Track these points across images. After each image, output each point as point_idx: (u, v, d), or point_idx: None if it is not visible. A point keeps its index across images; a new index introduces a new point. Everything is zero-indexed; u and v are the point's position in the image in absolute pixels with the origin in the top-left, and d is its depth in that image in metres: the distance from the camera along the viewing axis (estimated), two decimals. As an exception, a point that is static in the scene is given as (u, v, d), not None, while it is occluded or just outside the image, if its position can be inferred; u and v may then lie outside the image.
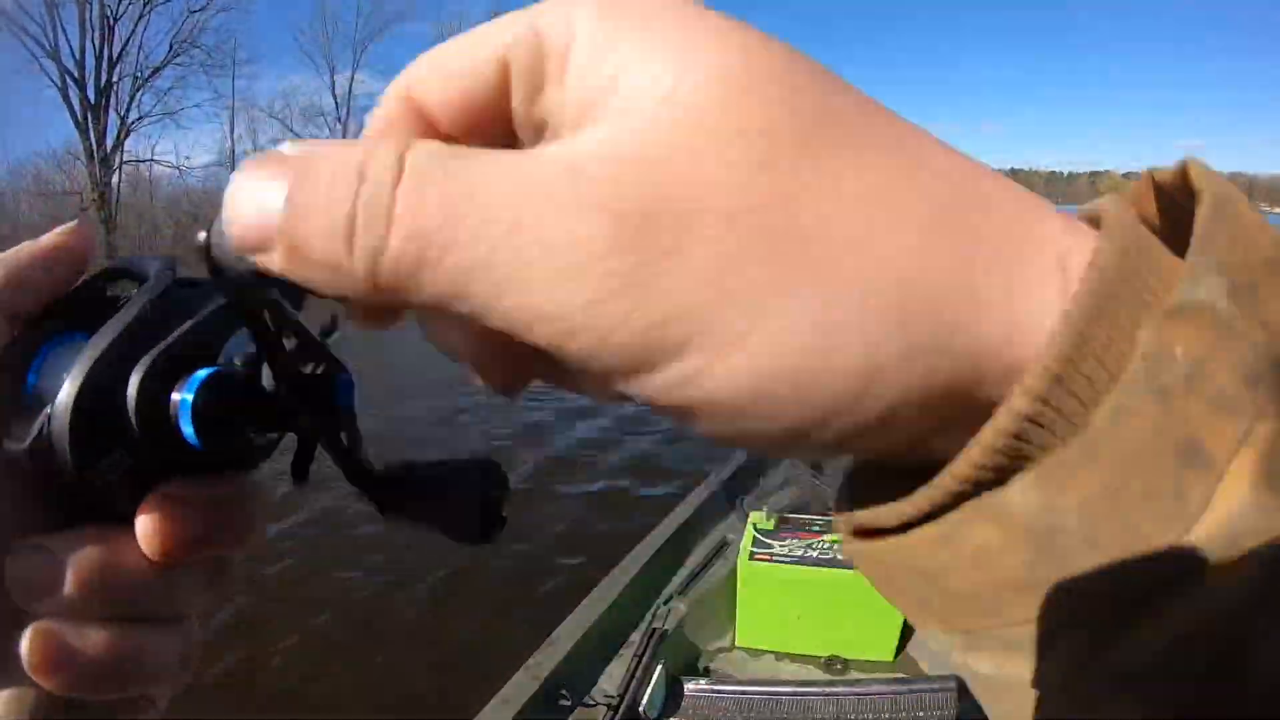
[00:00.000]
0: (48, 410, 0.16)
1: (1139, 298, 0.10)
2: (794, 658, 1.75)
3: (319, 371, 0.17)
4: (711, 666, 1.74)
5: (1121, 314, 0.09)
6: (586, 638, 1.55)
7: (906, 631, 1.70)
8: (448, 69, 0.13)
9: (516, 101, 0.12)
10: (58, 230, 0.19)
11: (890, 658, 1.70)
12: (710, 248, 0.10)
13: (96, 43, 12.64)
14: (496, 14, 0.13)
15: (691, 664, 1.72)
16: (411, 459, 0.18)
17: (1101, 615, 0.10)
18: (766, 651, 1.77)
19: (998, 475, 0.10)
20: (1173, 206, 0.12)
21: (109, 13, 12.59)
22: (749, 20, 0.11)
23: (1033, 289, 0.10)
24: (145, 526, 0.16)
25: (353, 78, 21.10)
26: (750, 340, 0.10)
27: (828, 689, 1.47)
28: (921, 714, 1.39)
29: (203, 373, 0.17)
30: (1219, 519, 0.09)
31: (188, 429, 0.17)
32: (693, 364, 0.10)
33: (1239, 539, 0.09)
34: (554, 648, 1.50)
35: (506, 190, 0.10)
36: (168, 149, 16.15)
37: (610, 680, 1.52)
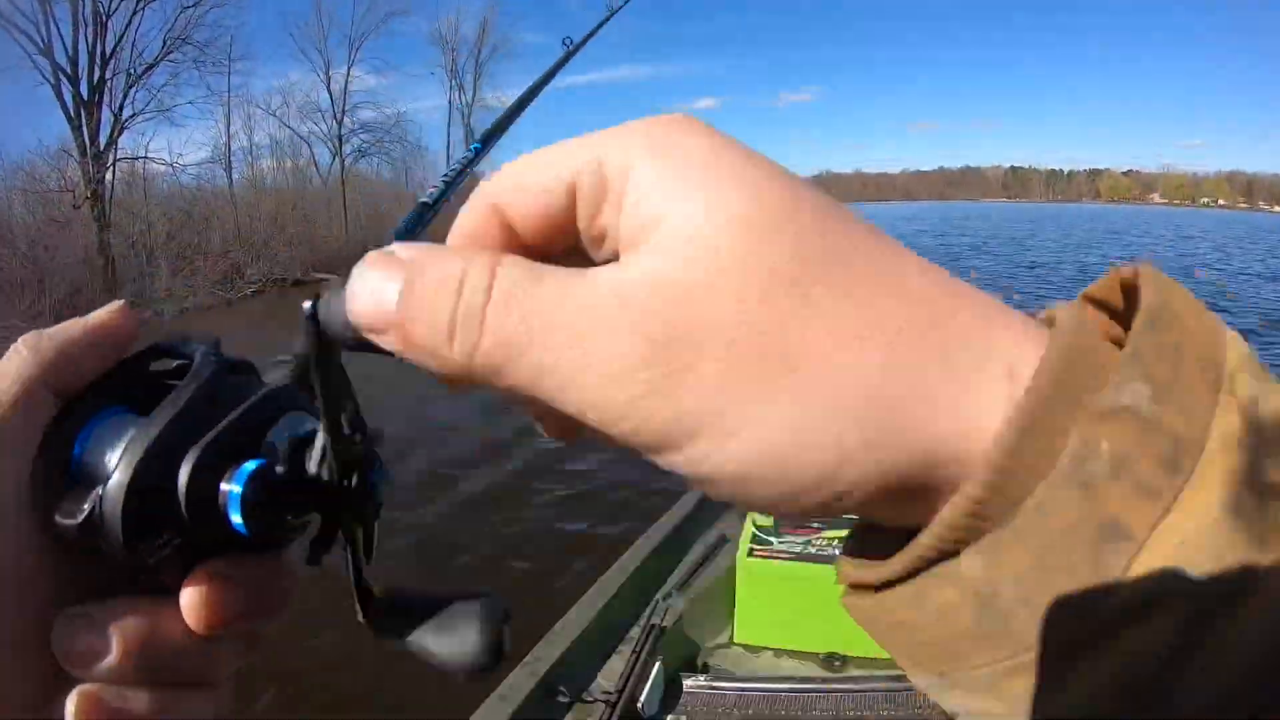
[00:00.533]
0: (100, 491, 0.17)
1: (1075, 402, 0.12)
2: (792, 654, 1.74)
3: (361, 458, 0.19)
4: (710, 663, 1.74)
5: (1057, 418, 0.12)
6: (585, 634, 1.55)
7: None
8: (526, 186, 0.16)
9: (582, 218, 0.15)
10: (104, 310, 0.20)
11: (888, 654, 1.72)
12: (715, 365, 0.13)
13: (89, 39, 12.61)
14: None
15: (690, 660, 1.72)
16: (408, 589, 0.20)
17: (1042, 662, 0.12)
18: (765, 648, 1.76)
19: (958, 545, 0.13)
20: (1133, 296, 0.14)
21: (101, 9, 12.55)
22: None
23: (983, 396, 0.13)
24: (190, 600, 0.18)
25: (348, 74, 21.05)
26: (741, 435, 0.13)
27: (826, 686, 1.47)
28: (919, 711, 1.39)
29: (250, 465, 0.18)
30: (1139, 580, 0.11)
31: (236, 518, 0.18)
32: (701, 449, 0.13)
33: (1159, 597, 0.11)
34: (552, 644, 1.50)
35: (570, 312, 0.13)
36: (162, 146, 16.17)
37: (608, 676, 1.52)
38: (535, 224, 0.16)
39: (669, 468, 0.14)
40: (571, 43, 0.60)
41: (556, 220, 0.16)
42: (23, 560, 0.18)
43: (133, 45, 13.35)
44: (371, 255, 0.15)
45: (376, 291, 0.15)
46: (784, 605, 1.70)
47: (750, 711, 1.44)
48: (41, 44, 12.00)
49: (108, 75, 12.98)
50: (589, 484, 3.81)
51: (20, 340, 0.19)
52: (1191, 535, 0.11)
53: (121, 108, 13.35)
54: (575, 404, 0.14)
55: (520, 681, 1.39)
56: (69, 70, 12.41)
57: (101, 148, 12.80)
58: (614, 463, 4.01)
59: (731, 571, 1.76)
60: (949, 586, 0.13)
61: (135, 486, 0.17)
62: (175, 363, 0.20)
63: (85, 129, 12.65)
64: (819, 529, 1.77)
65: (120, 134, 13.35)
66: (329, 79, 20.68)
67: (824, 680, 1.53)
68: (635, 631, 1.65)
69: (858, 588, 0.15)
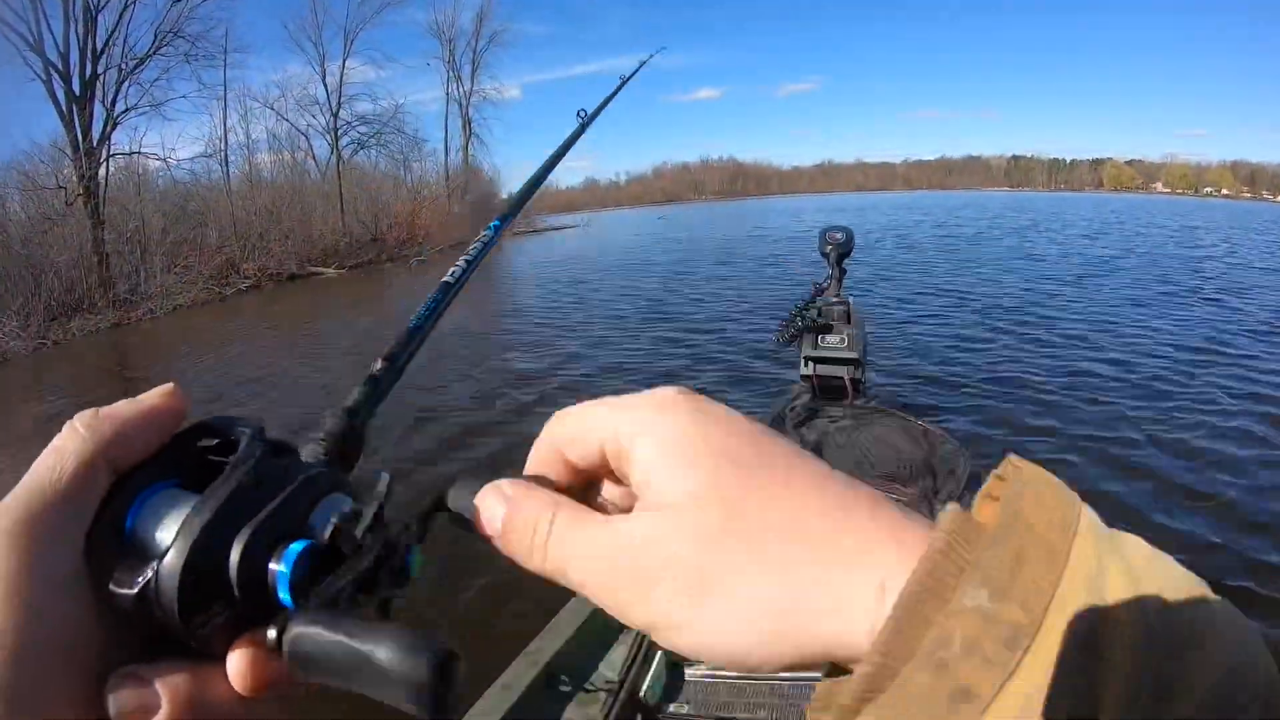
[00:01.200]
0: (155, 566, 0.19)
1: (938, 601, 0.17)
2: None
3: (398, 540, 0.22)
4: None
5: (922, 615, 0.17)
6: (587, 624, 1.55)
7: None
8: (574, 439, 0.24)
9: (612, 466, 0.23)
10: (155, 393, 0.23)
11: None
12: (669, 590, 0.20)
13: (80, 34, 12.52)
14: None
15: None
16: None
17: None
18: None
19: (863, 701, 0.17)
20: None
21: (91, 4, 12.45)
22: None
23: (856, 608, 0.18)
24: (237, 666, 0.20)
25: (343, 65, 20.93)
26: (685, 631, 0.20)
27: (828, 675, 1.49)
28: None
29: (297, 546, 0.20)
30: None
31: (284, 595, 0.20)
32: (667, 635, 0.20)
33: None
34: (554, 634, 1.51)
35: (591, 551, 0.22)
36: (156, 142, 16.05)
37: (610, 666, 1.53)
38: (583, 463, 0.24)
39: (658, 642, 0.21)
40: (585, 114, 0.66)
41: (596, 462, 0.24)
42: (78, 622, 0.20)
43: (124, 40, 13.28)
44: (490, 487, 0.23)
45: (491, 514, 0.23)
46: None
47: (751, 701, 1.45)
48: (32, 40, 11.92)
49: (99, 70, 12.90)
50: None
51: (78, 419, 0.21)
52: (1033, 691, 0.16)
53: (114, 103, 13.28)
54: (596, 599, 0.22)
55: (523, 671, 1.40)
56: (60, 66, 12.34)
57: (94, 143, 12.73)
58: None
59: None
60: None
61: (190, 564, 0.19)
62: (219, 440, 0.22)
63: (78, 125, 12.58)
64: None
65: (113, 129, 13.28)
66: (324, 71, 20.59)
67: (826, 670, 1.55)
68: None
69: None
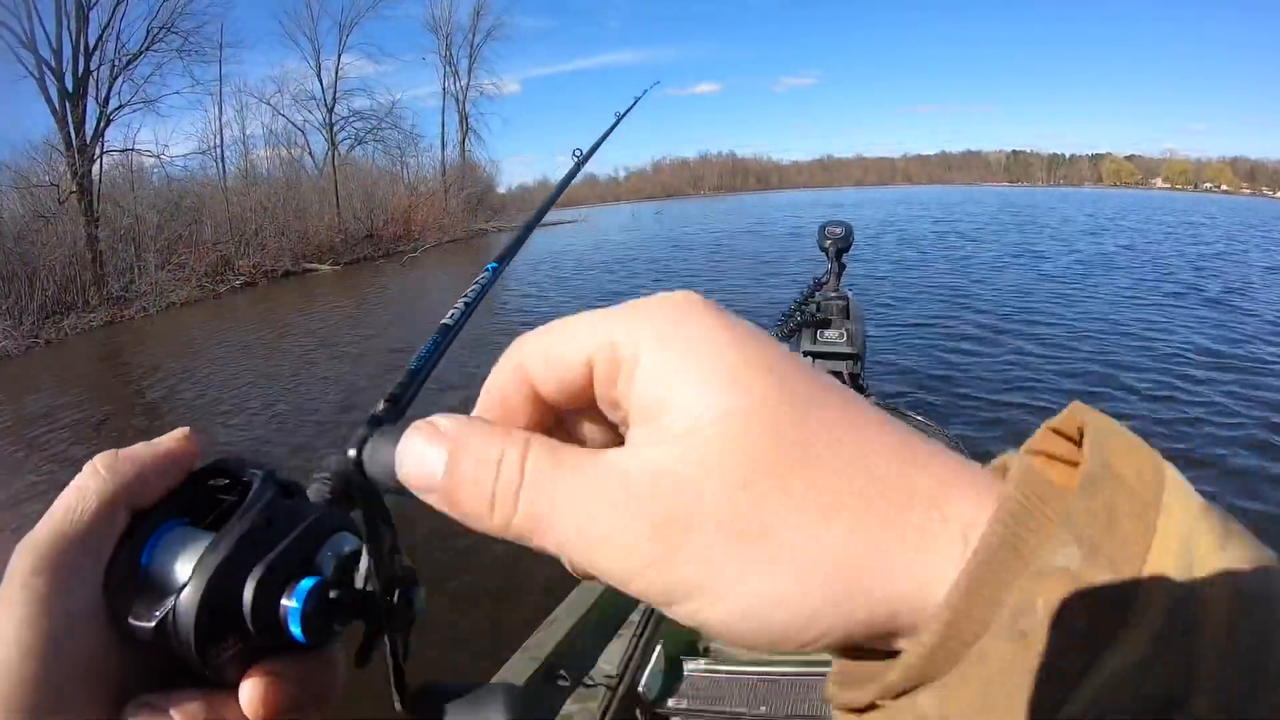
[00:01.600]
0: (173, 601, 0.20)
1: (1017, 561, 0.14)
2: None
3: (400, 577, 0.22)
4: (711, 647, 1.73)
5: (1001, 576, 0.14)
6: (586, 618, 1.55)
7: None
8: (549, 357, 0.18)
9: (598, 389, 0.18)
10: (173, 436, 0.24)
11: None
12: (705, 543, 0.16)
13: (73, 31, 12.45)
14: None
15: (691, 644, 1.72)
16: (440, 683, 0.23)
17: None
18: None
19: (919, 682, 0.15)
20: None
21: (84, 0, 12.38)
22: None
23: (939, 556, 0.15)
24: (249, 695, 0.21)
25: (339, 60, 20.87)
26: (726, 599, 0.16)
27: (827, 669, 1.48)
28: None
29: (307, 583, 0.21)
30: (1080, 709, 0.13)
31: (295, 630, 0.21)
32: (695, 606, 0.16)
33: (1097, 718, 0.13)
34: (553, 628, 1.51)
35: (585, 496, 0.17)
36: (151, 139, 15.99)
37: (610, 660, 1.53)
38: (557, 389, 0.19)
39: (671, 615, 0.17)
40: (581, 154, 0.67)
41: (575, 388, 0.18)
42: (98, 652, 0.21)
43: (117, 36, 13.21)
44: (417, 424, 0.19)
45: (423, 460, 0.18)
46: None
47: (751, 695, 1.45)
48: (24, 37, 11.86)
49: (92, 67, 12.85)
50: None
51: (99, 460, 0.22)
52: (1127, 668, 0.13)
53: (107, 100, 13.22)
54: (591, 568, 0.17)
55: (522, 665, 1.40)
56: (53, 63, 12.28)
57: (87, 140, 12.67)
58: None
59: None
60: (910, 715, 0.15)
61: (207, 600, 0.20)
62: (229, 480, 0.24)
63: (70, 122, 12.52)
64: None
65: (106, 126, 13.22)
66: (319, 66, 20.51)
67: (826, 664, 1.54)
68: (636, 615, 1.65)
69: (843, 709, 0.17)
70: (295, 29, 21.07)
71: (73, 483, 0.22)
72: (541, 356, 0.19)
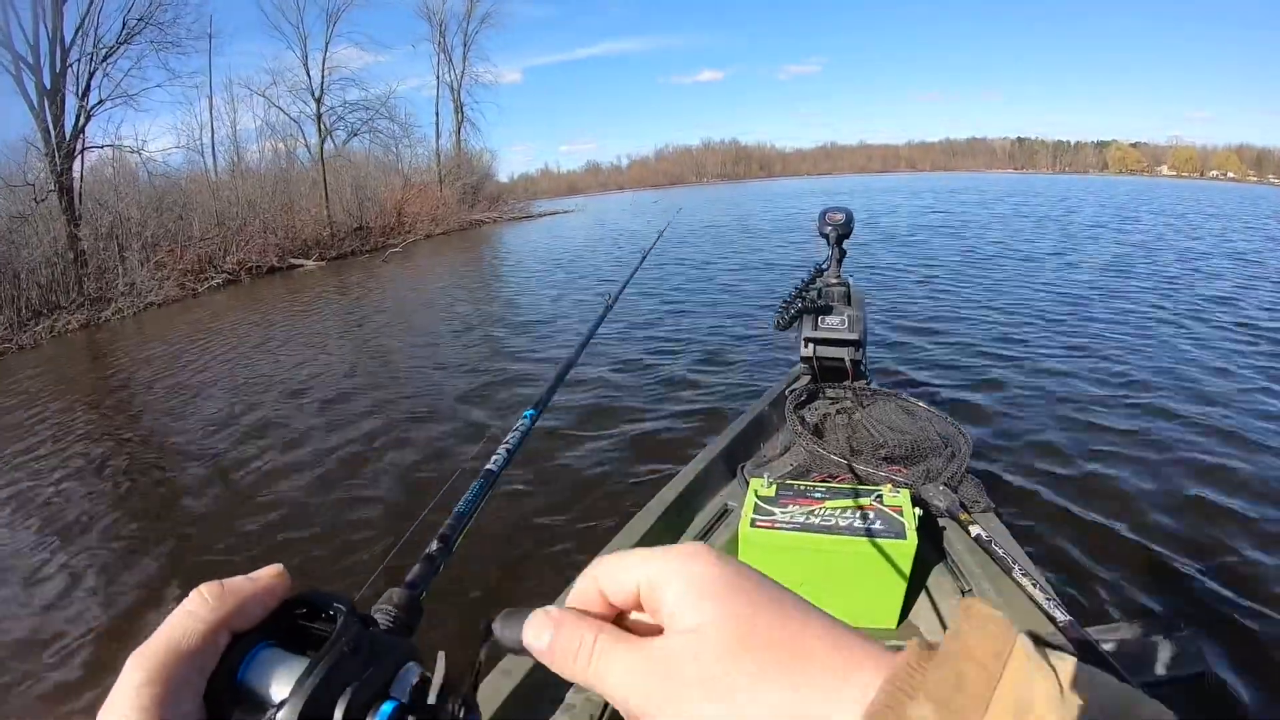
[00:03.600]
0: (270, 714, 0.25)
1: (893, 715, 0.22)
2: None
3: (465, 701, 0.28)
4: None
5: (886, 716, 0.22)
6: None
7: (909, 599, 1.72)
8: (614, 579, 0.29)
9: (643, 603, 0.29)
10: (268, 572, 0.30)
11: (893, 625, 1.72)
12: (700, 695, 0.25)
13: (50, 26, 12.36)
14: None
15: None
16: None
17: None
18: None
19: None
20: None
21: (60, -8, 12.27)
22: None
23: (846, 713, 0.23)
24: None
25: (326, 49, 20.75)
26: None
27: None
28: None
29: (388, 707, 0.26)
30: None
31: None
32: None
33: None
34: None
35: (634, 665, 0.27)
36: (138, 134, 15.83)
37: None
38: (619, 599, 0.30)
39: None
40: (610, 297, 0.77)
41: (630, 600, 0.29)
42: None
43: (95, 30, 13.12)
44: (537, 611, 0.30)
45: (539, 634, 0.29)
46: (787, 576, 1.63)
47: None
48: (0, 34, 11.76)
49: (70, 61, 12.75)
50: (585, 469, 3.84)
51: (206, 589, 0.28)
52: None
53: (86, 94, 13.13)
54: (631, 707, 0.27)
55: (520, 662, 1.41)
56: (30, 59, 12.19)
57: (66, 137, 12.60)
58: (605, 450, 4.05)
59: (734, 543, 1.78)
60: None
61: (303, 717, 0.24)
62: (308, 609, 0.29)
63: (49, 118, 12.44)
64: (822, 499, 1.79)
65: (87, 122, 13.13)
66: (306, 55, 20.39)
67: None
68: None
69: None
70: (279, 17, 20.97)
71: (182, 605, 0.27)
72: (610, 579, 0.30)
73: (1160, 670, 1.35)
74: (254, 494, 3.79)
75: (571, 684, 1.53)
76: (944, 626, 1.71)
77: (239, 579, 0.29)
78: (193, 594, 0.27)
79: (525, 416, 0.58)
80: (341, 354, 7.27)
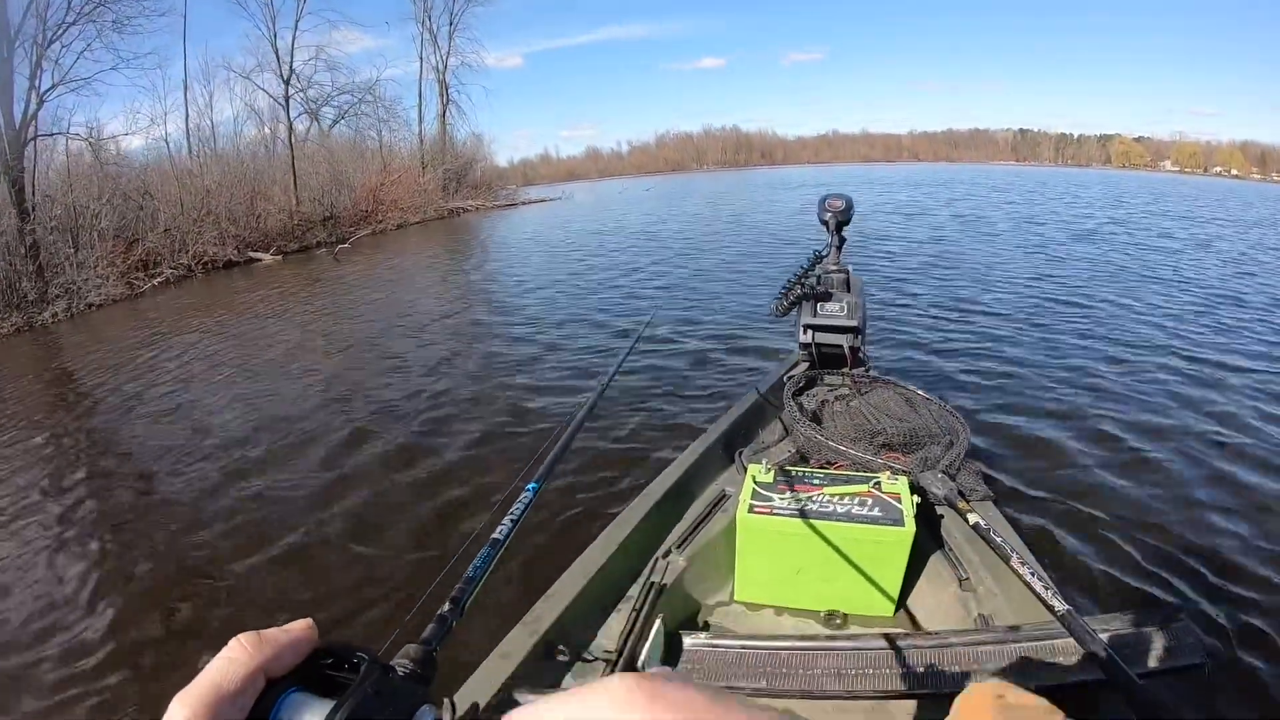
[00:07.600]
0: None
1: None
2: (793, 612, 1.81)
3: None
4: (710, 621, 1.80)
5: None
6: (584, 592, 1.60)
7: (906, 587, 1.77)
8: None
9: None
10: (300, 625, 0.33)
11: (889, 613, 1.77)
12: None
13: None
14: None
15: (690, 618, 1.79)
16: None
17: None
18: (765, 606, 1.83)
19: None
20: None
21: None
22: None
23: None
24: None
25: (296, 27, 20.55)
26: None
27: (827, 643, 1.51)
28: (920, 669, 1.44)
29: None
30: None
31: None
32: None
33: None
34: (552, 602, 1.55)
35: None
36: (104, 121, 15.46)
37: (608, 635, 1.58)
38: None
39: None
40: (603, 383, 0.85)
41: None
42: None
43: (41, 12, 12.89)
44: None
45: None
46: (784, 562, 1.76)
47: (751, 669, 1.49)
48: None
49: (17, 43, 12.53)
50: (587, 450, 3.87)
51: (244, 638, 0.31)
52: None
53: (33, 76, 12.89)
54: None
55: (519, 640, 1.44)
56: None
57: (17, 126, 12.39)
58: (609, 430, 4.08)
59: (732, 529, 1.82)
60: None
61: None
62: (334, 659, 0.33)
63: (-2, 106, 12.22)
64: (820, 486, 1.84)
65: (39, 109, 12.91)
66: (274, 34, 20.17)
67: (825, 638, 1.57)
68: (635, 590, 1.71)
69: None
70: (247, -1, 20.73)
71: (222, 652, 0.31)
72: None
73: (1158, 660, 1.40)
74: (259, 547, 3.66)
75: (570, 668, 1.55)
76: (941, 615, 1.76)
77: (274, 630, 0.32)
78: (232, 642, 0.31)
79: (529, 490, 0.66)
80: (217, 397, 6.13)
